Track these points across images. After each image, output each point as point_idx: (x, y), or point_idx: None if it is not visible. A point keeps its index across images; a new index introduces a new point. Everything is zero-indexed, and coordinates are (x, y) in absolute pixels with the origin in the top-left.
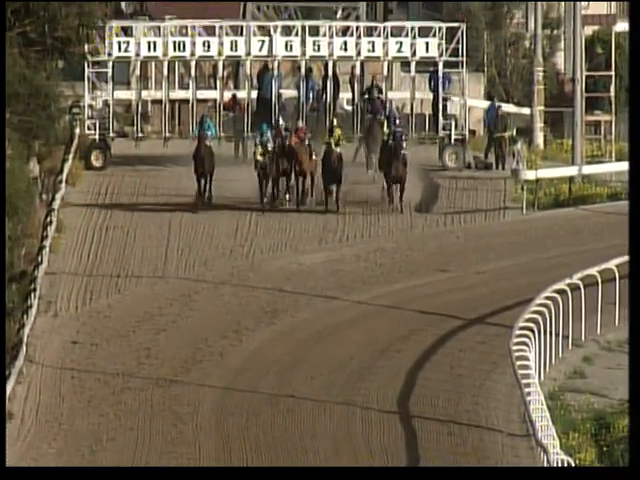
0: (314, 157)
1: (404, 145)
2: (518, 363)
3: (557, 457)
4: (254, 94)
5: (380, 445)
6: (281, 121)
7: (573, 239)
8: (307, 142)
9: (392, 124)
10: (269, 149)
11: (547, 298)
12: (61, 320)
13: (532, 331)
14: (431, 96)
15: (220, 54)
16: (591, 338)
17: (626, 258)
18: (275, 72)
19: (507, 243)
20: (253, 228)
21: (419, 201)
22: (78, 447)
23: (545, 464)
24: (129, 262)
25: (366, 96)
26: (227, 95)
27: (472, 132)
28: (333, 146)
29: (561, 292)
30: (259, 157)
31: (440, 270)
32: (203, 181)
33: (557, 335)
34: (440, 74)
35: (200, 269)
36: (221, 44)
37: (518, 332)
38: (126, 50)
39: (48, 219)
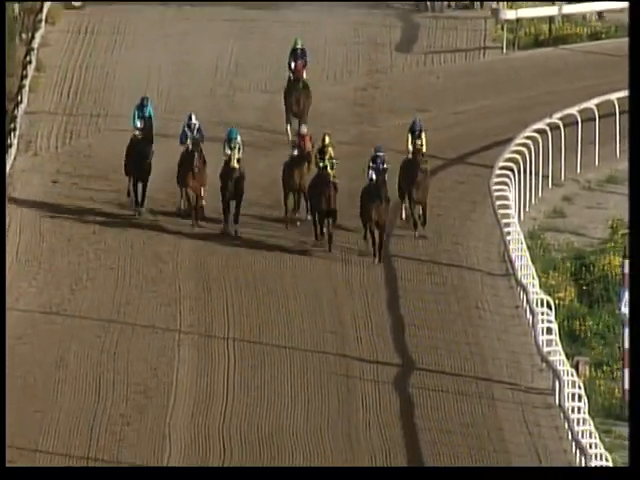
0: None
1: (386, 184)
2: (498, 203)
3: (536, 296)
4: None
5: (360, 285)
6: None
7: (553, 79)
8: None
9: (378, 163)
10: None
11: (527, 138)
12: (41, 159)
13: (512, 171)
14: None
15: None
16: (571, 177)
17: (606, 97)
18: None
19: (487, 83)
20: (232, 68)
21: (399, 41)
22: (58, 286)
23: (524, 303)
24: (109, 101)
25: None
26: None
27: None
28: (325, 169)
29: (541, 132)
30: (235, 164)
31: (420, 110)
32: (139, 186)
33: (537, 175)
34: None
35: (180, 108)
36: None
37: (498, 172)
38: None
39: (28, 58)
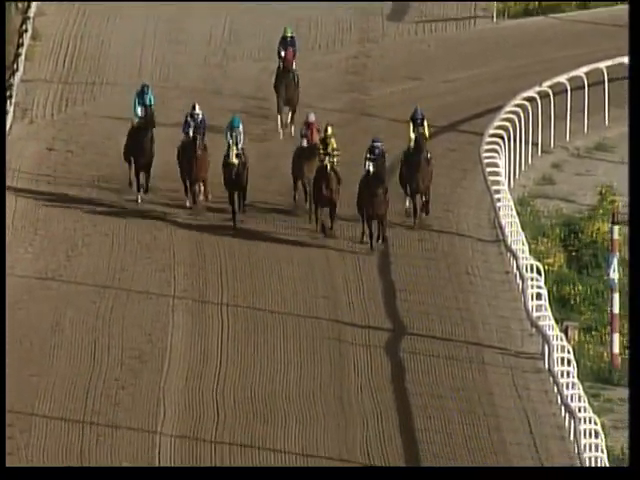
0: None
1: (385, 175)
2: (488, 170)
3: (526, 262)
4: None
5: (352, 250)
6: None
7: (543, 47)
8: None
9: (376, 154)
10: (240, 149)
11: (517, 105)
12: (37, 127)
13: (502, 138)
14: None
15: None
16: (560, 145)
17: (595, 65)
18: None
19: (477, 51)
20: (227, 36)
21: (391, 10)
22: (54, 252)
23: (514, 269)
24: (104, 70)
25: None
26: None
27: None
28: (327, 163)
29: (530, 100)
30: (234, 160)
31: (411, 78)
32: (141, 174)
33: (527, 142)
34: None
35: (174, 75)
36: None
37: (488, 139)
38: None
39: (24, 27)
